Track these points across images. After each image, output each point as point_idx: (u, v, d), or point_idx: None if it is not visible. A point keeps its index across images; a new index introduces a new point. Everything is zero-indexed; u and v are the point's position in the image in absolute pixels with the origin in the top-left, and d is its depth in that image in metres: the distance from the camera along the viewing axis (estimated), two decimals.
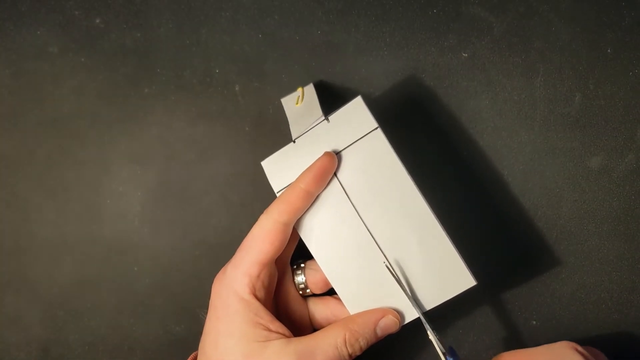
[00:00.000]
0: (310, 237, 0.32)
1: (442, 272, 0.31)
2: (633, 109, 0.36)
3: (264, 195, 0.38)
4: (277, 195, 0.32)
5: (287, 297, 0.34)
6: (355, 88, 0.37)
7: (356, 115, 0.32)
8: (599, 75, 0.37)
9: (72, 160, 0.38)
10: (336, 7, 0.37)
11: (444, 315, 0.37)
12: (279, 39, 0.38)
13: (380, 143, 0.31)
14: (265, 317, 0.30)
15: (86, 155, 0.38)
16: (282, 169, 0.32)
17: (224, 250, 0.38)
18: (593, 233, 0.37)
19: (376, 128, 0.31)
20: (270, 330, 0.30)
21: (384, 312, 0.31)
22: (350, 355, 0.30)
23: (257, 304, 0.30)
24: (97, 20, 0.38)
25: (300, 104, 0.34)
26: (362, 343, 0.30)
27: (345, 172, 0.32)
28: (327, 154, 0.31)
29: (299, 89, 0.35)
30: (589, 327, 0.37)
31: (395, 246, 0.31)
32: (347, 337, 0.30)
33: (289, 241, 0.32)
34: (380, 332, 0.31)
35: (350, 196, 0.32)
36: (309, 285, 0.34)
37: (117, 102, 0.38)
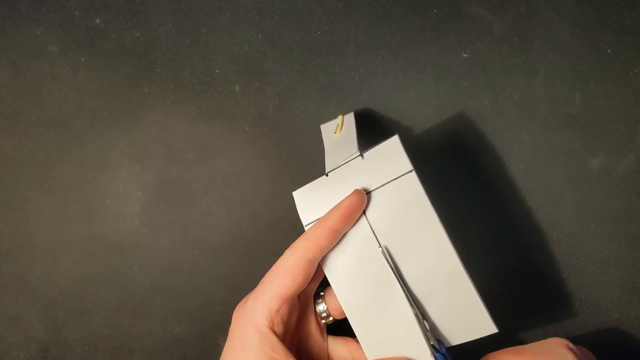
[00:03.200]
0: (334, 275, 0.32)
1: (464, 317, 0.31)
2: (633, 109, 0.36)
3: (264, 195, 0.38)
4: (305, 228, 0.32)
5: (307, 331, 0.33)
6: (395, 122, 0.38)
7: (391, 154, 0.31)
8: (599, 75, 0.37)
9: (72, 160, 0.38)
10: (336, 7, 0.37)
11: None
12: (279, 39, 0.38)
13: (413, 186, 0.31)
14: (281, 352, 0.30)
15: (86, 155, 0.38)
16: (312, 202, 0.32)
17: (224, 250, 0.38)
18: (593, 233, 0.37)
19: (411, 171, 0.31)
20: None
21: None
22: None
23: (274, 339, 0.30)
24: (97, 20, 0.38)
25: (338, 134, 0.34)
26: None
27: (374, 212, 0.31)
28: (357, 192, 0.30)
29: (340, 117, 0.35)
30: (589, 327, 0.37)
31: (419, 289, 0.31)
32: None
33: (313, 276, 0.32)
34: None
35: (377, 236, 0.31)
36: (331, 311, 0.34)
37: (117, 102, 0.38)
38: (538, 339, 0.37)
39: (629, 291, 0.37)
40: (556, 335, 0.37)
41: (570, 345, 0.31)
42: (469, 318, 0.31)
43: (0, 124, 0.38)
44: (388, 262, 0.31)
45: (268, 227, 0.38)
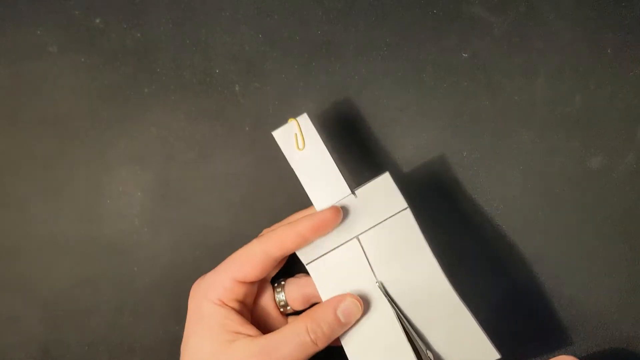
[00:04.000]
0: None
1: (466, 345, 0.32)
2: (633, 109, 0.36)
3: (264, 195, 0.38)
4: (307, 267, 0.32)
5: (267, 314, 0.34)
6: (395, 122, 0.37)
7: (385, 191, 0.32)
8: (599, 75, 0.37)
9: (72, 160, 0.38)
10: (336, 7, 0.37)
11: None
12: (279, 39, 0.38)
13: (408, 223, 0.32)
14: (236, 320, 0.31)
15: (86, 155, 0.38)
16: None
17: (224, 250, 0.38)
18: (593, 233, 0.37)
19: (405, 208, 0.32)
20: (239, 332, 0.31)
21: (343, 296, 0.31)
22: (314, 342, 0.30)
23: (227, 309, 0.31)
24: (97, 20, 0.38)
25: (303, 148, 0.32)
26: (324, 328, 0.30)
27: (371, 249, 0.32)
28: (334, 209, 0.31)
29: (292, 122, 0.32)
30: (589, 328, 0.37)
31: (419, 320, 0.32)
32: (308, 325, 0.30)
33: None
34: (343, 318, 0.31)
35: (375, 272, 0.32)
36: (289, 302, 0.34)
37: (117, 102, 0.38)
38: (538, 341, 0.37)
39: (629, 291, 0.37)
40: (557, 337, 0.37)
41: None
42: (470, 346, 0.32)
43: (0, 124, 0.38)
44: (386, 296, 0.32)
45: (268, 227, 0.38)
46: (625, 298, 0.37)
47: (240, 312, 0.32)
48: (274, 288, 0.35)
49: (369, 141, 0.38)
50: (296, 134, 0.32)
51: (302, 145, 0.32)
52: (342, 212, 0.32)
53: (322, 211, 0.31)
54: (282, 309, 0.35)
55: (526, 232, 0.37)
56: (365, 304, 0.32)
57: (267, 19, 0.38)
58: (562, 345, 0.37)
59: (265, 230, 0.35)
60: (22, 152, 0.38)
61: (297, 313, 0.35)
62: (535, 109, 0.37)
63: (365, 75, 0.37)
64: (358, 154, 0.38)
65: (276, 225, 0.35)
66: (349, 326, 0.32)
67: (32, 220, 0.38)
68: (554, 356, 0.33)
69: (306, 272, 0.34)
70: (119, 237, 0.38)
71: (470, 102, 0.37)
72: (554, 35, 0.37)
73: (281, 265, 0.35)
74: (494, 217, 0.37)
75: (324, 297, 0.32)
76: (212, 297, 0.32)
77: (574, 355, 0.34)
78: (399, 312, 0.32)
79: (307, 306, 0.35)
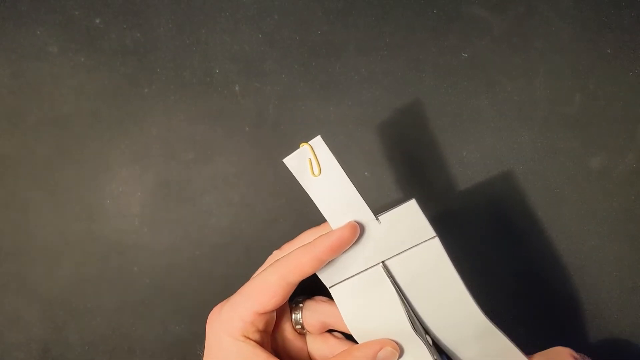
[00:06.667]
0: (358, 333, 0.32)
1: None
2: (633, 109, 0.36)
3: (264, 195, 0.38)
4: (329, 289, 0.32)
5: (284, 333, 0.33)
6: (394, 123, 0.37)
7: (410, 219, 0.30)
8: (599, 75, 0.37)
9: (72, 160, 0.38)
10: (336, 7, 0.37)
11: None
12: (279, 39, 0.38)
13: (437, 252, 0.30)
14: (261, 356, 0.30)
15: (86, 155, 0.38)
16: (332, 263, 0.31)
17: (224, 250, 0.38)
18: (593, 233, 0.37)
19: (434, 237, 0.30)
20: None
21: (382, 343, 0.30)
22: None
23: (251, 344, 0.30)
24: (97, 20, 0.38)
25: (319, 174, 0.30)
26: None
27: (398, 275, 0.31)
28: (350, 225, 0.30)
29: (305, 146, 0.30)
30: (589, 327, 0.37)
31: (448, 340, 0.31)
32: None
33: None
34: None
35: (405, 295, 0.31)
36: (306, 326, 0.34)
37: (117, 102, 0.38)
38: (538, 342, 0.37)
39: (629, 291, 0.37)
40: (557, 337, 0.37)
41: (575, 354, 0.31)
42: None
43: (0, 124, 0.38)
44: (405, 307, 0.31)
45: (268, 227, 0.38)
46: (625, 298, 0.37)
47: (262, 343, 0.31)
48: (291, 308, 0.34)
49: (369, 141, 0.38)
50: (310, 160, 0.30)
51: (318, 172, 0.30)
52: (359, 228, 0.30)
53: (339, 229, 0.30)
54: (297, 331, 0.34)
55: (526, 232, 0.37)
56: (394, 336, 0.31)
57: (267, 19, 0.38)
58: (561, 345, 0.37)
59: (275, 252, 0.34)
60: (23, 152, 0.38)
61: None
62: (535, 108, 0.37)
63: (365, 75, 0.37)
64: (358, 153, 0.38)
65: (287, 245, 0.34)
66: None
67: (32, 220, 0.38)
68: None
69: (325, 291, 0.33)
70: (119, 237, 0.38)
71: (470, 102, 0.37)
72: (553, 35, 0.37)
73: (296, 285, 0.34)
74: (494, 217, 0.37)
75: (347, 322, 0.31)
76: (233, 332, 0.30)
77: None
78: (428, 341, 0.31)
79: (324, 331, 0.34)
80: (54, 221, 0.38)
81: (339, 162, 0.30)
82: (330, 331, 0.35)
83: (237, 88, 0.38)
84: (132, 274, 0.38)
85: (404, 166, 0.38)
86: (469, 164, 0.37)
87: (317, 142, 0.30)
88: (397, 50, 0.37)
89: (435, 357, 0.30)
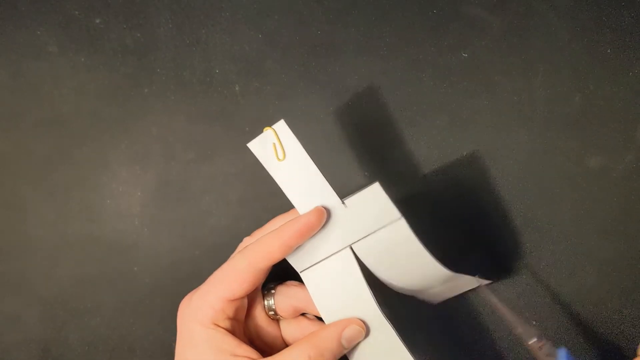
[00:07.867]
0: (327, 315, 0.32)
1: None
2: (633, 109, 0.36)
3: (264, 195, 0.38)
4: (300, 274, 0.32)
5: (257, 320, 0.34)
6: (393, 123, 0.37)
7: (376, 202, 0.30)
8: (598, 75, 0.37)
9: (72, 160, 0.38)
10: (336, 7, 0.37)
11: (443, 317, 0.37)
12: (279, 39, 0.38)
13: (403, 233, 0.30)
14: (231, 343, 0.30)
15: (86, 155, 0.38)
16: (301, 248, 0.31)
17: (224, 250, 0.38)
18: (593, 233, 0.37)
19: (399, 218, 0.30)
20: (236, 355, 0.30)
21: (348, 321, 0.31)
22: None
23: (221, 332, 0.30)
24: (97, 20, 0.38)
25: (284, 158, 0.30)
26: (327, 356, 0.30)
27: (365, 257, 0.31)
28: (317, 210, 0.30)
29: (269, 130, 0.30)
30: (589, 327, 0.37)
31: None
32: (310, 353, 0.29)
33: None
34: (346, 343, 0.30)
35: (375, 273, 0.32)
36: (279, 311, 0.34)
37: (117, 102, 0.38)
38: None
39: (628, 291, 0.37)
40: (557, 336, 0.37)
41: None
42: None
43: (0, 124, 0.38)
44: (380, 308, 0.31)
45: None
46: (625, 297, 0.37)
47: (233, 331, 0.31)
48: (263, 295, 0.34)
49: (369, 141, 0.38)
50: (274, 144, 0.30)
51: (283, 156, 0.30)
52: (326, 213, 0.30)
53: (305, 214, 0.30)
54: (270, 316, 0.34)
55: (526, 232, 0.37)
56: (362, 317, 0.31)
57: (267, 19, 0.38)
58: (560, 345, 0.37)
59: (246, 239, 0.35)
60: (22, 152, 0.38)
61: None
62: (535, 108, 0.37)
63: (365, 75, 0.37)
64: (357, 153, 0.38)
65: (257, 232, 0.35)
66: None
67: (32, 220, 0.38)
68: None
69: (297, 276, 0.33)
70: (119, 237, 0.38)
71: (469, 101, 0.37)
72: (553, 35, 0.37)
73: (268, 272, 0.34)
74: (494, 216, 0.37)
75: (317, 304, 0.32)
76: (203, 320, 0.31)
77: (573, 353, 0.34)
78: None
79: (297, 315, 0.34)
80: (54, 221, 0.38)
81: (303, 146, 0.30)
82: (304, 315, 0.35)
83: (237, 88, 0.38)
84: (132, 274, 0.38)
85: (403, 166, 0.38)
86: (469, 163, 0.37)
87: (281, 126, 0.30)
88: (396, 50, 0.37)
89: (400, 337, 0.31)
